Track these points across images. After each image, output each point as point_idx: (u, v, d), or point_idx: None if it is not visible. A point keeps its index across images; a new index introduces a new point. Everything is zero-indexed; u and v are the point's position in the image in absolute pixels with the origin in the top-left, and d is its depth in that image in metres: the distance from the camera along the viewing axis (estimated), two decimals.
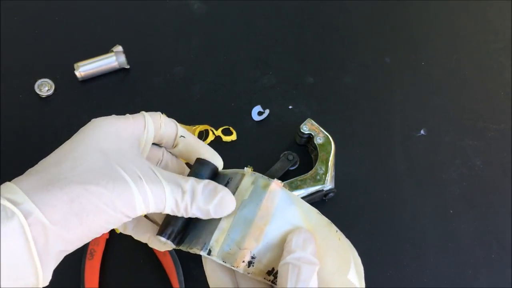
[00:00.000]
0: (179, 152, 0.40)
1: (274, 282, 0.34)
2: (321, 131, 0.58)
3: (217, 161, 0.39)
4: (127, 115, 0.36)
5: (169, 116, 0.40)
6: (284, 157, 0.59)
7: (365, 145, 0.63)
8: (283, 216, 0.35)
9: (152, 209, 0.32)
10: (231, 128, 0.62)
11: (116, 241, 0.55)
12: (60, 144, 0.34)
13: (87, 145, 0.32)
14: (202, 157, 0.38)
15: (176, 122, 0.39)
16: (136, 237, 0.39)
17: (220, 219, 0.35)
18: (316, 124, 0.59)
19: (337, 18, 0.72)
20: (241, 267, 0.34)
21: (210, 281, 0.36)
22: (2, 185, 0.30)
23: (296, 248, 0.33)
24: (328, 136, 0.58)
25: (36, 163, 0.33)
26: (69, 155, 0.32)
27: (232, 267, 0.34)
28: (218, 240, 0.34)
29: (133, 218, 0.34)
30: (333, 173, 0.57)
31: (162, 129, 0.37)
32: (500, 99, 0.67)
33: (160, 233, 0.37)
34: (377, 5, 0.73)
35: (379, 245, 0.58)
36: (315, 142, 0.58)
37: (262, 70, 0.67)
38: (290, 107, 0.65)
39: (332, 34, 0.71)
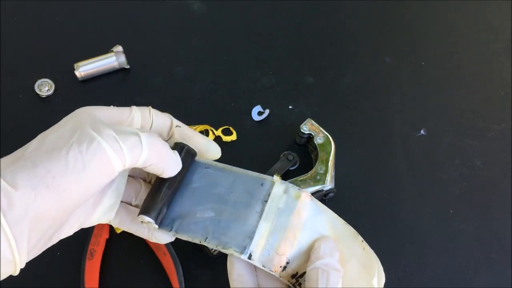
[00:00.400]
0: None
1: (295, 285, 0.37)
2: (321, 131, 0.58)
3: (214, 149, 0.40)
4: (111, 106, 0.36)
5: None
6: (284, 157, 0.59)
7: (365, 145, 0.63)
8: (312, 224, 0.38)
9: (128, 163, 0.32)
10: (231, 128, 0.62)
11: (116, 241, 0.55)
12: None
13: (54, 129, 0.32)
14: (198, 145, 0.39)
15: (171, 116, 0.39)
16: (134, 233, 0.39)
17: (256, 222, 0.37)
18: (316, 124, 0.59)
19: (337, 18, 0.72)
20: (278, 271, 0.36)
21: (233, 279, 0.37)
22: None
23: (325, 255, 0.36)
24: (328, 136, 0.58)
25: None
26: (45, 139, 0.31)
27: (271, 272, 0.36)
28: (258, 244, 0.36)
29: (128, 213, 0.34)
30: (333, 173, 0.57)
31: (153, 121, 0.37)
32: (500, 99, 0.67)
33: (143, 212, 0.37)
34: (377, 5, 0.73)
35: (379, 245, 0.57)
36: (315, 142, 0.58)
37: (262, 70, 0.67)
38: (290, 107, 0.65)
39: (332, 34, 0.71)
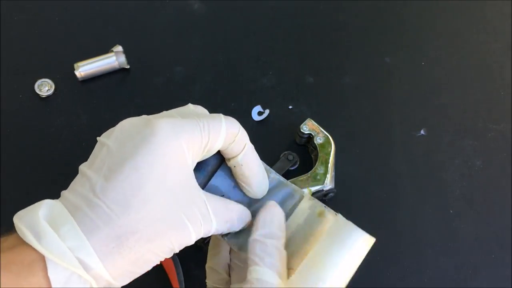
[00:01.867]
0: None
1: None
2: (321, 131, 0.58)
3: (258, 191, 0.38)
4: (204, 124, 0.32)
5: None
6: (284, 157, 0.59)
7: (365, 145, 0.63)
8: (328, 243, 0.36)
9: (198, 238, 0.33)
10: None
11: None
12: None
13: (155, 180, 0.29)
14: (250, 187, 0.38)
15: (247, 141, 0.36)
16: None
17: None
18: (316, 124, 0.59)
19: (337, 18, 0.72)
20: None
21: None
22: (70, 234, 0.27)
23: (264, 225, 0.34)
24: (328, 136, 0.58)
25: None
26: (137, 195, 0.28)
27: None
28: None
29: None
30: (333, 173, 0.57)
31: (230, 146, 0.35)
32: (500, 99, 0.67)
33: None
34: (377, 5, 0.73)
35: (379, 245, 0.57)
36: (315, 142, 0.58)
37: (262, 70, 0.67)
38: (290, 107, 0.65)
39: (332, 34, 0.71)
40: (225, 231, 0.35)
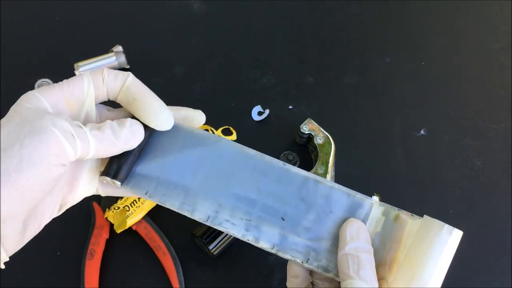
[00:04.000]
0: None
1: None
2: (321, 131, 0.58)
3: (163, 118, 0.37)
4: (63, 81, 0.34)
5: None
6: (284, 157, 0.59)
7: (365, 145, 0.63)
8: (420, 246, 0.36)
9: (79, 150, 0.32)
10: (231, 128, 0.62)
11: (116, 241, 0.55)
12: None
13: (10, 116, 0.32)
14: (147, 113, 0.36)
15: (125, 75, 0.36)
16: (122, 194, 0.39)
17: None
18: (316, 124, 0.59)
19: (337, 18, 0.72)
20: None
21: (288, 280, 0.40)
22: None
23: (352, 239, 0.35)
24: (328, 136, 0.58)
25: None
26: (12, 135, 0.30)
27: None
28: None
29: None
30: (333, 173, 0.57)
31: (108, 88, 0.35)
32: (500, 99, 0.67)
33: (104, 173, 0.36)
34: (377, 5, 0.73)
35: None
36: (315, 142, 0.58)
37: (262, 70, 0.67)
38: (290, 107, 0.65)
39: (332, 34, 0.71)
40: (114, 139, 0.34)
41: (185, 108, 0.40)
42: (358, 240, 0.35)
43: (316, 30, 0.71)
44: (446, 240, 0.35)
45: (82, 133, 0.32)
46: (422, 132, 0.64)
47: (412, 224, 0.37)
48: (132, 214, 0.54)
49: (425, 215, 0.37)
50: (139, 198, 0.55)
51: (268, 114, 0.64)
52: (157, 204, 0.55)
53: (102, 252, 0.54)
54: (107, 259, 0.55)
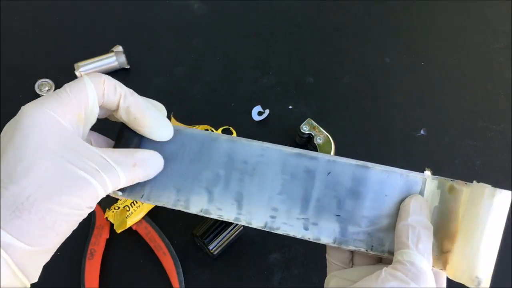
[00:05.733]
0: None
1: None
2: (321, 131, 0.58)
3: (160, 132, 0.38)
4: (66, 90, 0.34)
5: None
6: None
7: (365, 145, 0.63)
8: (473, 214, 0.35)
9: (110, 191, 0.34)
10: (231, 128, 0.62)
11: (116, 241, 0.55)
12: None
13: (33, 148, 0.31)
14: (144, 130, 0.37)
15: (120, 87, 0.37)
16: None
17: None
18: (316, 124, 0.59)
19: (337, 18, 0.72)
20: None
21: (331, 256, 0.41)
22: None
23: (414, 212, 0.36)
24: (328, 136, 0.58)
25: None
26: (19, 164, 0.30)
27: (441, 270, 0.36)
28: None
29: None
30: None
31: (104, 98, 0.36)
32: (500, 99, 0.67)
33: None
34: (377, 5, 0.73)
35: None
36: (315, 142, 0.58)
37: (262, 70, 0.67)
38: (290, 107, 0.65)
39: (332, 34, 0.71)
40: (142, 175, 0.36)
41: (147, 100, 0.39)
42: (420, 215, 0.36)
43: (316, 30, 0.71)
44: (491, 203, 0.34)
45: (115, 174, 0.33)
46: (422, 132, 0.64)
47: (466, 193, 0.37)
48: (132, 214, 0.54)
49: (474, 181, 0.37)
50: None
51: (268, 114, 0.64)
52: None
53: (102, 252, 0.54)
54: (107, 259, 0.55)
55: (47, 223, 0.30)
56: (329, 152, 0.57)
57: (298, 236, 0.37)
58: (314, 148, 0.58)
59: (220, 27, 0.70)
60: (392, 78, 0.68)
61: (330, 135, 0.58)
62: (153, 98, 0.42)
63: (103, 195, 0.33)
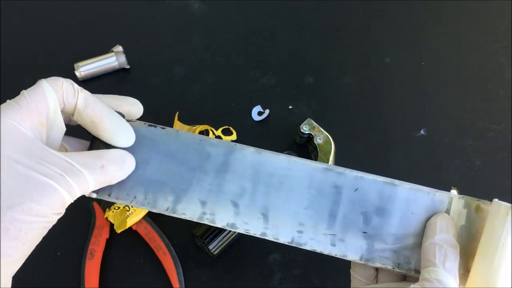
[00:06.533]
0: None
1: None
2: (321, 131, 0.58)
3: (121, 138, 0.37)
4: (24, 96, 0.33)
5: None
6: None
7: (365, 145, 0.63)
8: (490, 231, 0.35)
9: (78, 195, 0.33)
10: (231, 128, 0.62)
11: (116, 241, 0.55)
12: None
13: None
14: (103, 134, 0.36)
15: (79, 90, 0.35)
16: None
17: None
18: (316, 124, 0.59)
19: (337, 18, 0.72)
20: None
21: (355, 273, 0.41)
22: None
23: (441, 231, 0.36)
24: (328, 136, 0.58)
25: None
26: None
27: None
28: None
29: None
30: None
31: (65, 102, 0.34)
32: (500, 99, 0.67)
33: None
34: (377, 5, 0.73)
35: None
36: (315, 142, 0.58)
37: (262, 70, 0.67)
38: (290, 107, 0.65)
39: (332, 34, 0.71)
40: (112, 177, 0.35)
41: (119, 98, 0.39)
42: (447, 233, 0.36)
43: (316, 30, 0.71)
44: (505, 220, 0.34)
45: (82, 177, 0.32)
46: (422, 132, 0.64)
47: (489, 212, 0.37)
48: (132, 214, 0.54)
49: (494, 199, 0.36)
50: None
51: (268, 114, 0.64)
52: None
53: (102, 252, 0.54)
54: (107, 259, 0.55)
55: (11, 233, 0.30)
56: (329, 152, 0.57)
57: (325, 252, 0.37)
58: (314, 148, 0.58)
59: (220, 27, 0.70)
60: (392, 78, 0.68)
61: (330, 135, 0.58)
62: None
63: (70, 200, 0.32)
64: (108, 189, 0.36)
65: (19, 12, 0.69)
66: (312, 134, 0.58)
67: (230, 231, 0.53)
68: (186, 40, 0.69)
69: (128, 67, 0.65)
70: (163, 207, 0.36)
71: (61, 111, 0.35)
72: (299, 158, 0.38)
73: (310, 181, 0.37)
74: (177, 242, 0.55)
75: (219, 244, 0.53)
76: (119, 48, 0.64)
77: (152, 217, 0.56)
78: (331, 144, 0.58)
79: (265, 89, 0.66)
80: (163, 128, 0.38)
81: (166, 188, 0.37)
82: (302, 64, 0.68)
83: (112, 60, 0.64)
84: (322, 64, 0.68)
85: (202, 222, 0.36)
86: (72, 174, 0.32)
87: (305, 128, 0.58)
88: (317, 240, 0.37)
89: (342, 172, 0.38)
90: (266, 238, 0.36)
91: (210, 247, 0.53)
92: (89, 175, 0.33)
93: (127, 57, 0.65)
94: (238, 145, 0.38)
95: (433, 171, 0.62)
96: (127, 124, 0.37)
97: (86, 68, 0.63)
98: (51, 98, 0.33)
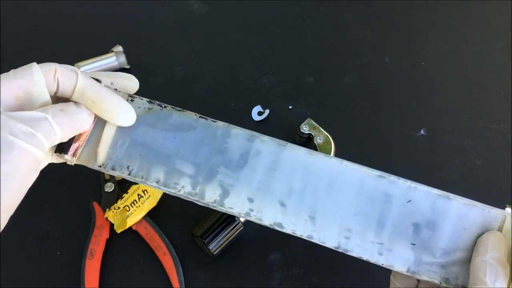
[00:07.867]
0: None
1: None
2: (321, 131, 0.58)
3: (124, 117, 0.38)
4: (11, 72, 0.34)
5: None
6: None
7: (365, 145, 0.63)
8: None
9: (47, 145, 0.32)
10: None
11: (116, 241, 0.55)
12: None
13: None
14: (105, 114, 0.36)
15: (77, 72, 0.36)
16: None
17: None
18: (316, 124, 0.59)
19: (337, 18, 0.72)
20: None
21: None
22: None
23: (493, 249, 0.35)
24: (328, 136, 0.58)
25: None
26: None
27: None
28: None
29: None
30: None
31: (60, 85, 0.35)
32: (500, 99, 0.67)
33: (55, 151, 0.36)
34: (377, 5, 0.73)
35: None
36: (315, 142, 0.58)
37: (262, 70, 0.67)
38: (290, 107, 0.65)
39: (332, 34, 0.71)
40: (77, 120, 0.34)
41: (115, 74, 0.39)
42: (498, 251, 0.35)
43: (316, 30, 0.71)
44: None
45: (46, 126, 0.32)
46: (422, 132, 0.64)
47: None
48: (132, 214, 0.54)
49: None
50: (139, 198, 0.55)
51: (268, 114, 0.64)
52: (157, 204, 0.56)
53: (102, 252, 0.54)
54: (107, 259, 0.55)
55: None
56: (329, 152, 0.57)
57: (371, 260, 0.36)
58: (314, 148, 0.58)
59: (220, 27, 0.70)
60: (392, 78, 0.68)
61: (330, 135, 0.58)
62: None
63: (40, 152, 0.31)
64: (155, 177, 0.36)
65: (19, 12, 0.69)
66: (312, 134, 0.58)
67: (230, 231, 0.53)
68: (186, 40, 0.69)
69: (128, 67, 0.65)
70: (210, 199, 0.36)
71: (56, 95, 0.35)
72: (350, 162, 0.37)
73: (360, 186, 0.37)
74: (177, 242, 0.56)
75: (219, 244, 0.53)
76: (119, 48, 0.65)
77: (152, 217, 0.56)
78: (331, 144, 0.58)
79: (265, 89, 0.66)
80: (214, 122, 0.39)
81: (214, 182, 0.37)
82: (302, 64, 0.68)
83: (112, 60, 0.64)
84: (322, 64, 0.68)
85: (249, 218, 0.36)
86: (33, 124, 0.31)
87: (305, 128, 0.58)
88: (364, 248, 0.36)
89: (395, 181, 0.37)
90: (313, 240, 0.36)
91: (210, 247, 0.53)
92: (51, 119, 0.32)
93: (127, 57, 0.65)
94: (289, 145, 0.38)
95: (433, 171, 0.62)
96: (127, 103, 0.37)
97: (86, 68, 0.63)
98: (38, 79, 0.34)
